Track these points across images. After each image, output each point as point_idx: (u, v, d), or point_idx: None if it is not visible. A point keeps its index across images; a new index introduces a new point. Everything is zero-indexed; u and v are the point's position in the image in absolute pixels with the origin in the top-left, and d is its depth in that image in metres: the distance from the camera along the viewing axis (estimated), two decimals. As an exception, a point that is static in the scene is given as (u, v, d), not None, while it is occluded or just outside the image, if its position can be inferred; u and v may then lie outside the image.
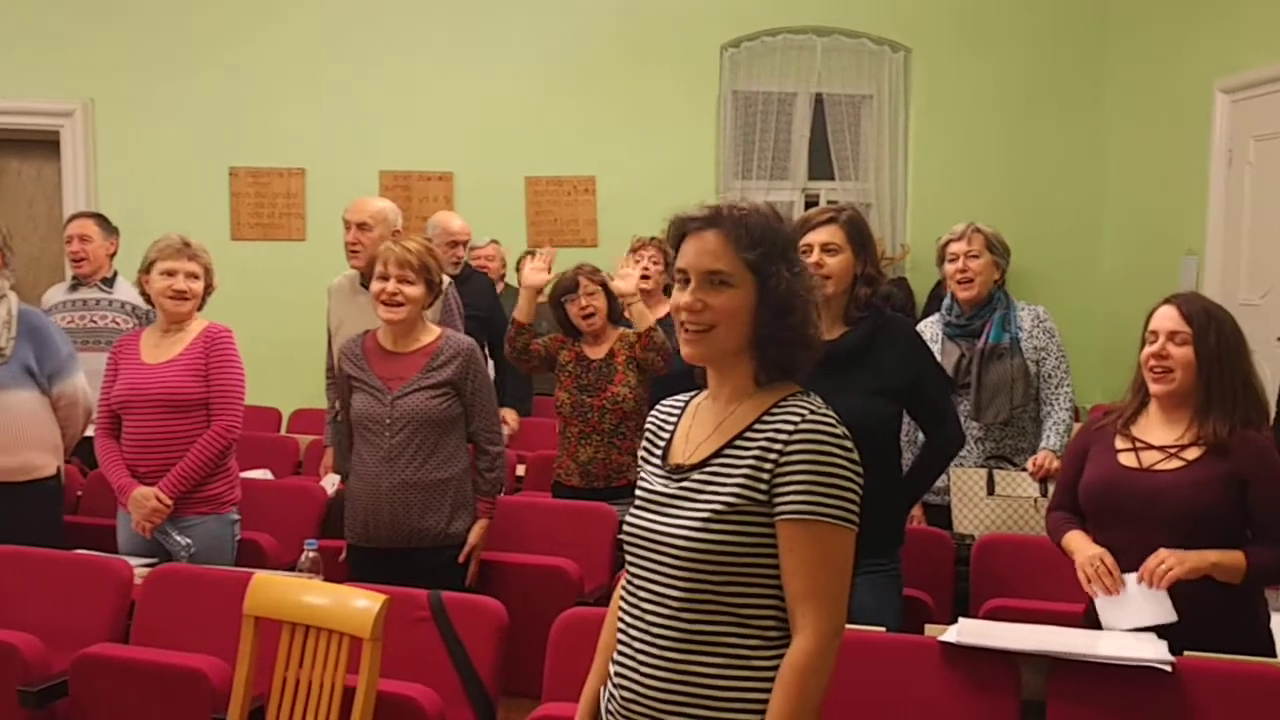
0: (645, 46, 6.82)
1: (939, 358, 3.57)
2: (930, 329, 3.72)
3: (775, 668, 1.64)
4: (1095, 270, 7.05)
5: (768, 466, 1.65)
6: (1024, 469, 3.52)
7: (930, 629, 2.55)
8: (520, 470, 4.53)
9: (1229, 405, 2.40)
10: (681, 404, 1.86)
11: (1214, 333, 2.41)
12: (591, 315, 3.86)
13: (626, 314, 3.86)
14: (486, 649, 2.78)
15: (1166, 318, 2.45)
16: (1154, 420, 2.50)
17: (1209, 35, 6.19)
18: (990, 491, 3.45)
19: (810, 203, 7.05)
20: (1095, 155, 7.20)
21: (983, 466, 3.53)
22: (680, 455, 1.76)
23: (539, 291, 3.85)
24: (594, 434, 3.81)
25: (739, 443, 1.69)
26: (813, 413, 1.67)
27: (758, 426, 1.68)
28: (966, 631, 2.42)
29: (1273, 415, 3.84)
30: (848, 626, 2.47)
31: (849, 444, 1.67)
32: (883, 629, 2.56)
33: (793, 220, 1.76)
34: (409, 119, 6.72)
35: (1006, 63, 7.07)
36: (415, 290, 3.20)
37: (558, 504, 3.85)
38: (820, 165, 7.20)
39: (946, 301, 3.76)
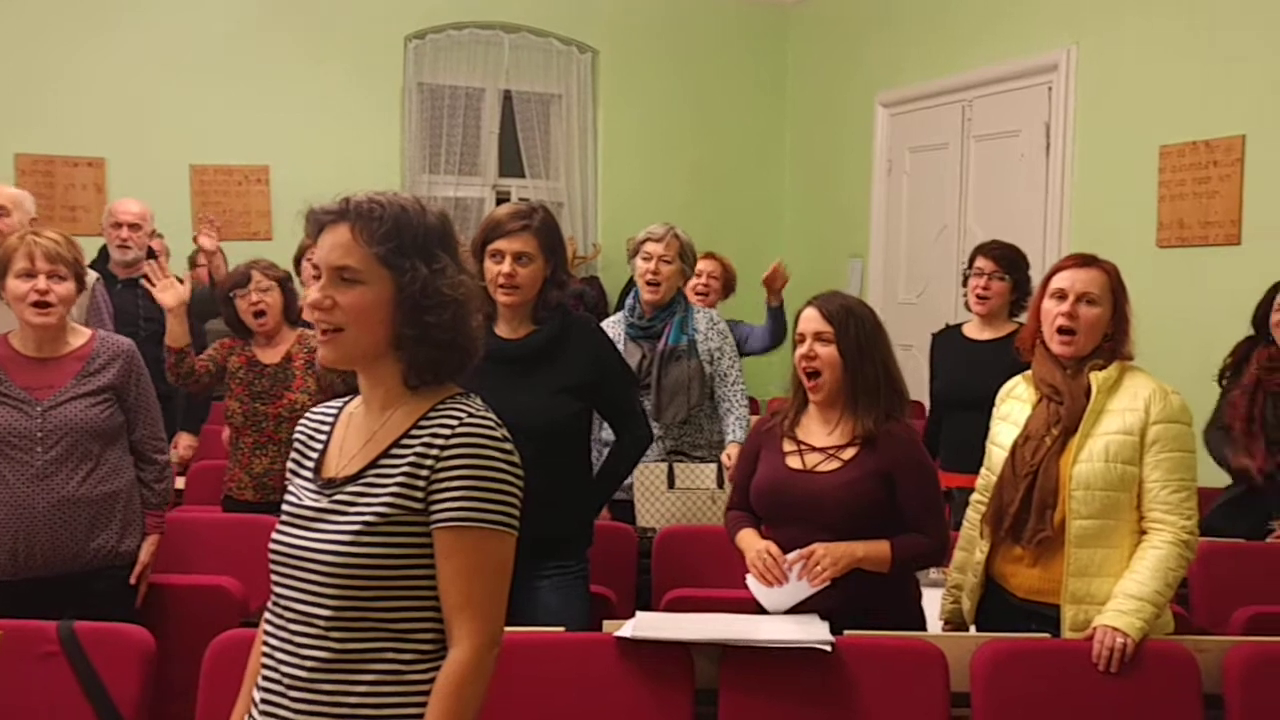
0: (323, 33, 6.53)
1: (621, 358, 3.61)
2: (613, 329, 3.75)
3: (432, 682, 1.54)
4: (777, 272, 7.40)
5: (424, 473, 1.55)
6: (703, 461, 3.63)
7: (608, 625, 2.54)
8: (180, 483, 4.16)
9: (873, 397, 2.52)
10: (334, 411, 1.72)
11: (854, 328, 2.53)
12: (263, 314, 3.61)
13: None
14: (130, 681, 2.52)
15: (810, 319, 2.56)
16: (814, 419, 2.60)
17: (872, 52, 6.65)
18: (670, 485, 3.54)
19: (501, 199, 7.00)
20: (774, 161, 7.59)
21: (663, 461, 3.60)
22: (334, 468, 1.63)
23: (183, 309, 3.51)
24: (270, 444, 3.58)
25: (394, 451, 1.58)
26: (471, 415, 1.58)
27: (414, 432, 1.58)
28: (642, 625, 2.44)
29: (928, 405, 4.17)
30: (530, 629, 2.46)
31: (509, 446, 1.59)
32: (562, 629, 2.52)
33: (445, 215, 1.66)
34: (49, 97, 6.04)
35: (692, 69, 7.31)
36: (66, 288, 2.86)
37: (222, 518, 3.57)
38: (511, 162, 7.17)
39: (629, 302, 3.83)
